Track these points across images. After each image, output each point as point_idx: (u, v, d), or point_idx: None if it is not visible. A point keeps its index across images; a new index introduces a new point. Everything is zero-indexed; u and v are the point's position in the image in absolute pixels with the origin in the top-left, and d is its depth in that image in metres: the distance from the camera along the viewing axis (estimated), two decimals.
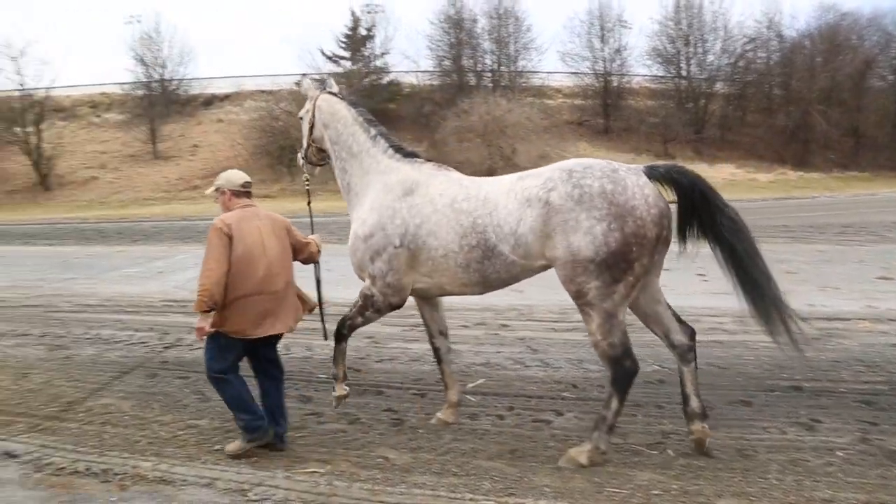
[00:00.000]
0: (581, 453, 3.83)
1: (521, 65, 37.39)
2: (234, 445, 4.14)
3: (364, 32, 38.33)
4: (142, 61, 41.46)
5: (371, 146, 4.63)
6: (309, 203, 5.08)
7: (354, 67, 37.17)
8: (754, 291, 3.79)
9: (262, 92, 43.49)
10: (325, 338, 4.73)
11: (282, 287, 4.19)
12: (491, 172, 29.03)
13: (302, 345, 6.81)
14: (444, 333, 4.77)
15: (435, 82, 37.67)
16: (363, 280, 4.49)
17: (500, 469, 3.83)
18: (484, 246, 3.96)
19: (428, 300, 4.67)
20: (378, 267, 4.30)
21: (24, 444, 4.37)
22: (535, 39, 37.76)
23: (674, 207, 3.88)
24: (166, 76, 41.98)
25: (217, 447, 4.25)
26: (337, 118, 4.76)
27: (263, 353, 4.30)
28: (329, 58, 37.91)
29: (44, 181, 34.52)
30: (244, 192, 4.35)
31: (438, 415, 4.61)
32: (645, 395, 5.03)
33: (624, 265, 3.64)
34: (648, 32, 37.96)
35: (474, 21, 37.21)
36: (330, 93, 4.93)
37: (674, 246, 3.93)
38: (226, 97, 44.83)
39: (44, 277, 12.34)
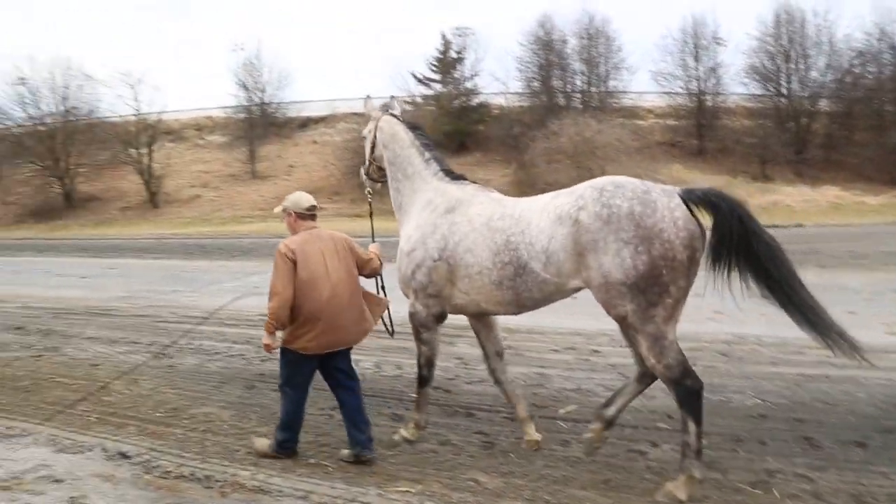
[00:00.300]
0: (678, 487, 3.69)
1: (611, 85, 36.85)
2: (262, 444, 4.48)
3: (454, 55, 38.90)
4: (244, 86, 43.63)
5: (423, 169, 4.81)
6: (371, 214, 5.42)
7: (444, 90, 37.71)
8: (801, 316, 3.68)
9: (355, 114, 44.77)
10: (391, 335, 5.05)
11: (346, 305, 4.35)
12: None
13: (392, 363, 6.91)
14: (500, 355, 4.80)
15: (524, 103, 37.66)
16: (408, 297, 4.66)
17: (593, 499, 3.75)
18: (516, 263, 4.01)
19: (483, 321, 4.76)
20: (419, 280, 4.48)
21: (134, 446, 4.63)
22: (627, 59, 37.21)
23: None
24: (265, 100, 43.93)
25: (312, 460, 4.36)
26: (395, 140, 4.94)
27: (334, 364, 4.45)
28: (420, 80, 38.63)
29: (153, 199, 36.65)
30: (309, 215, 4.52)
31: (525, 437, 4.61)
32: (746, 429, 4.81)
33: (657, 288, 3.60)
34: (745, 49, 36.46)
35: (564, 42, 37.05)
36: (392, 115, 5.10)
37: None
38: (320, 119, 46.41)
39: (153, 289, 13.07)
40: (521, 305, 4.20)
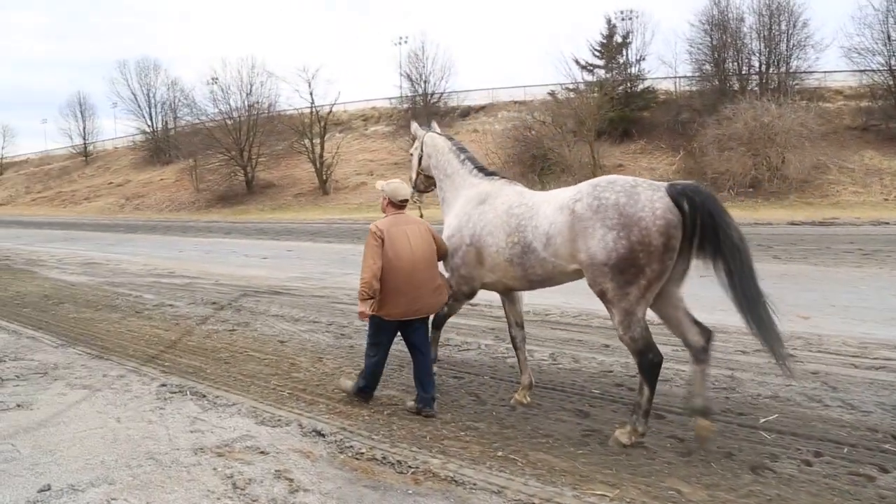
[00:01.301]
0: (623, 434, 4.40)
1: (793, 65, 33.83)
2: (345, 384, 5.46)
3: (619, 39, 37.52)
4: (408, 78, 44.99)
5: (460, 168, 5.70)
6: (421, 216, 5.88)
7: (609, 76, 36.52)
8: (747, 308, 4.15)
9: (515, 103, 44.69)
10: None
11: (424, 280, 5.03)
12: (755, 184, 26.81)
13: (569, 355, 6.68)
14: (520, 325, 5.49)
15: (693, 88, 35.60)
16: (446, 272, 5.44)
17: None
18: (523, 243, 4.71)
19: (509, 296, 5.44)
20: (455, 262, 5.28)
21: (327, 425, 4.78)
22: (813, 35, 33.95)
23: None
24: (428, 91, 45.01)
25: (500, 453, 4.26)
26: (437, 149, 5.94)
27: (412, 331, 5.19)
28: (583, 67, 37.65)
29: (323, 186, 38.83)
30: (400, 205, 5.32)
31: (516, 395, 5.19)
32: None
33: (634, 269, 4.14)
34: None
35: (741, 20, 34.47)
36: (433, 132, 6.15)
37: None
38: (481, 108, 46.79)
39: (327, 271, 13.74)
40: (530, 281, 4.86)
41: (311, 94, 41.40)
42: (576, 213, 4.35)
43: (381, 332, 5.14)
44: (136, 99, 62.86)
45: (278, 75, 44.02)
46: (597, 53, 37.55)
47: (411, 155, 6.37)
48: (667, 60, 37.94)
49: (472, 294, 5.41)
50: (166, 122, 61.57)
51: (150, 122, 62.66)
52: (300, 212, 35.63)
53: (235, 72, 44.00)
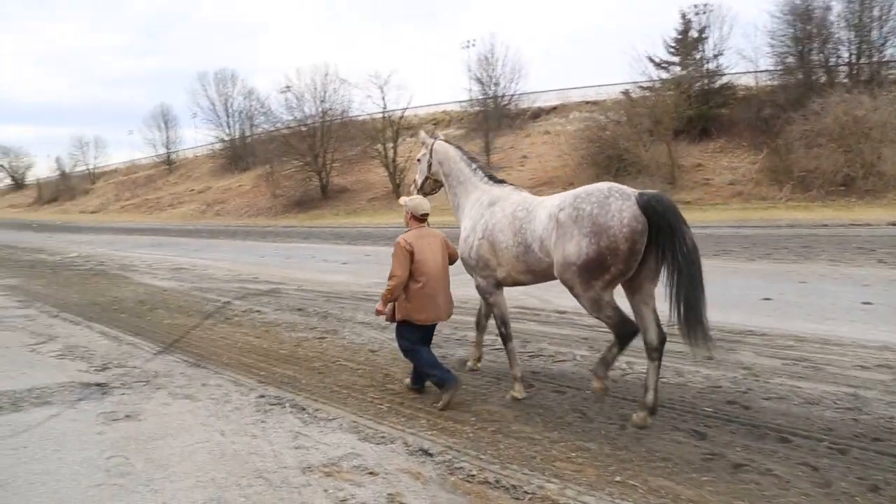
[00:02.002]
0: (599, 380, 5.06)
1: (887, 54, 31.87)
2: (443, 400, 5.42)
3: (695, 35, 36.25)
4: (478, 81, 44.83)
5: (472, 176, 6.23)
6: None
7: (685, 72, 35.33)
8: (687, 309, 4.60)
9: (587, 103, 43.89)
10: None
11: (444, 288, 5.69)
12: (847, 182, 25.29)
13: (671, 369, 6.31)
14: (488, 316, 6.53)
15: (776, 82, 34.02)
16: (471, 276, 5.97)
17: None
18: (524, 243, 5.31)
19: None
20: (473, 258, 5.77)
21: (432, 442, 4.60)
22: None
23: None
24: (499, 93, 44.73)
25: (617, 478, 3.99)
26: (448, 157, 6.42)
27: (429, 332, 5.84)
28: (658, 64, 36.58)
29: (396, 190, 39.07)
30: (422, 218, 5.88)
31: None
32: None
33: (599, 269, 4.72)
34: None
35: (827, 8, 32.69)
36: (441, 140, 6.62)
37: None
38: (552, 109, 46.20)
39: None
40: (532, 273, 5.42)
41: (383, 99, 41.86)
42: (559, 220, 4.96)
43: (412, 335, 5.69)
44: (214, 109, 65.19)
45: (351, 82, 44.61)
46: (672, 50, 36.37)
47: (418, 161, 6.82)
48: (746, 55, 36.41)
49: (499, 282, 5.79)
50: (243, 131, 63.48)
51: (227, 131, 64.86)
52: (374, 216, 35.97)
53: (309, 79, 44.83)
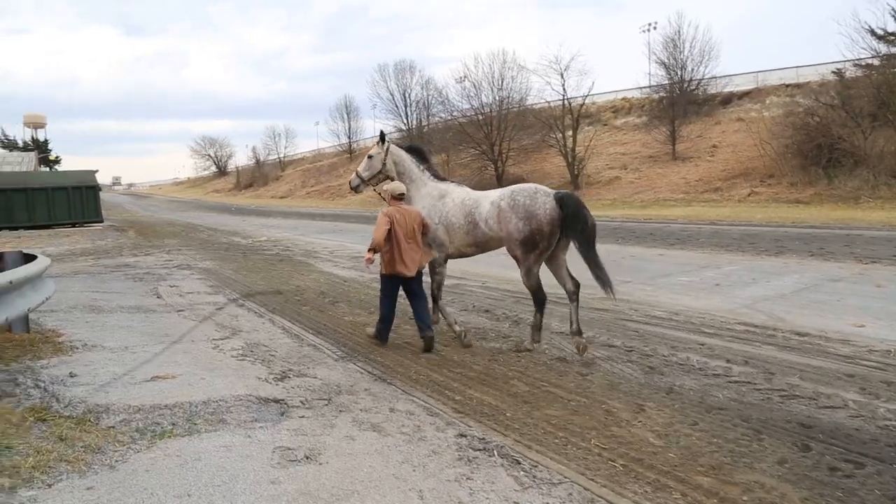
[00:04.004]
0: (529, 342, 7.25)
1: None
2: (369, 330, 7.67)
3: None
4: (662, 64, 41.62)
5: (420, 175, 7.91)
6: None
7: None
8: (596, 268, 6.75)
9: (787, 86, 39.28)
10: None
11: (411, 251, 7.12)
12: None
13: (808, 390, 4.40)
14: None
15: None
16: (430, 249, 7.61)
17: None
18: (473, 222, 7.30)
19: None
20: (432, 237, 7.53)
21: None
22: None
23: None
24: (685, 77, 41.19)
25: None
26: (402, 159, 7.95)
27: (409, 285, 7.27)
28: (881, 37, 31.54)
29: (575, 180, 37.31)
30: (399, 197, 7.32)
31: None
32: None
33: (532, 244, 6.79)
34: None
35: None
36: (395, 144, 8.14)
37: None
38: (745, 94, 41.94)
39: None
40: (477, 246, 7.45)
41: (563, 86, 40.04)
42: (501, 208, 6.93)
43: (386, 284, 7.29)
44: (393, 99, 66.71)
45: (529, 68, 43.11)
46: None
47: (369, 157, 8.07)
48: None
49: (447, 259, 7.74)
50: (420, 120, 64.42)
51: (405, 121, 66.13)
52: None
53: (487, 67, 44.17)
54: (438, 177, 7.93)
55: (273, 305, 10.06)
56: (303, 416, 4.89)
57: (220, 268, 15.47)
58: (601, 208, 31.64)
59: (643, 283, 11.43)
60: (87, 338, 7.62)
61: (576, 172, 37.38)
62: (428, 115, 62.45)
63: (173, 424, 4.60)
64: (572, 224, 6.68)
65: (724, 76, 42.13)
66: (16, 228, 30.47)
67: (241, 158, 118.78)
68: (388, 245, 6.99)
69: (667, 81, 41.50)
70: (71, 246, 23.57)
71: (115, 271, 15.27)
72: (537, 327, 7.19)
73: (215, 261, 17.00)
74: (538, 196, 6.80)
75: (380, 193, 7.96)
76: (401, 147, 8.12)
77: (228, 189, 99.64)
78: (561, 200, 6.76)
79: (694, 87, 41.38)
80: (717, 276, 12.00)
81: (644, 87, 46.09)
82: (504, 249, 7.27)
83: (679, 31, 40.92)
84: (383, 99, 67.96)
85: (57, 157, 69.49)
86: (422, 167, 7.94)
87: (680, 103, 39.88)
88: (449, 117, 47.99)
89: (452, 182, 7.85)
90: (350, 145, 78.61)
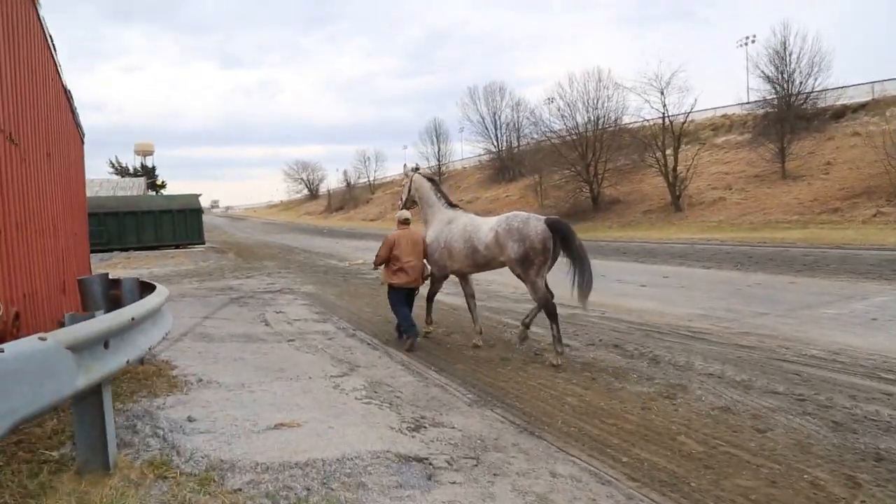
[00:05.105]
0: (553, 357, 7.66)
1: None
2: (407, 344, 8.65)
3: None
4: (766, 79, 39.25)
5: (436, 201, 9.24)
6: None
7: None
8: (582, 283, 7.57)
9: None
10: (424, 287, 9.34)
11: (415, 266, 8.75)
12: None
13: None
14: (472, 296, 9.14)
15: None
16: (430, 266, 9.08)
17: None
18: (472, 247, 8.31)
19: (464, 278, 9.08)
20: (434, 258, 8.89)
21: None
22: None
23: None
24: (793, 91, 38.65)
25: None
26: (422, 187, 9.46)
27: (409, 295, 8.94)
28: None
29: (676, 202, 35.55)
30: (404, 222, 9.01)
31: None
32: None
33: (528, 263, 7.68)
34: None
35: None
36: (419, 173, 9.77)
37: None
38: (860, 107, 38.96)
39: (731, 308, 11.03)
40: (476, 266, 8.48)
41: (663, 103, 38.36)
42: (498, 232, 7.96)
43: (396, 296, 8.81)
44: (483, 121, 66.56)
45: (627, 86, 41.36)
46: None
47: (402, 186, 10.19)
48: None
49: (445, 277, 9.08)
50: (510, 141, 63.93)
51: (495, 143, 65.81)
52: (651, 230, 32.82)
53: (581, 86, 42.81)
54: (450, 204, 9.19)
55: (385, 336, 9.52)
56: (454, 482, 4.15)
57: (323, 292, 15.18)
58: (707, 231, 29.84)
59: (783, 316, 10.19)
60: (201, 371, 7.23)
61: (677, 193, 35.58)
62: (518, 137, 61.89)
63: (307, 490, 3.96)
64: (562, 243, 7.72)
65: (837, 88, 39.20)
66: (126, 249, 31.77)
67: (332, 182, 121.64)
68: (393, 262, 8.66)
69: (773, 96, 39.08)
70: (176, 267, 24.20)
71: (220, 294, 15.25)
72: (558, 339, 7.75)
73: (316, 285, 16.78)
74: (530, 221, 7.81)
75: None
76: (423, 177, 9.61)
77: (320, 212, 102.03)
78: (551, 224, 7.76)
79: (803, 102, 38.73)
80: (869, 308, 10.58)
81: (746, 103, 43.72)
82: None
83: (785, 43, 38.56)
84: (473, 122, 68.10)
85: (163, 182, 72.97)
86: (438, 195, 9.24)
87: (788, 119, 37.41)
88: (541, 138, 46.99)
89: (460, 210, 9.09)
90: (439, 168, 78.86)
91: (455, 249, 8.49)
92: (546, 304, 7.73)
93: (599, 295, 13.02)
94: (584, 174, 40.22)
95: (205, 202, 60.38)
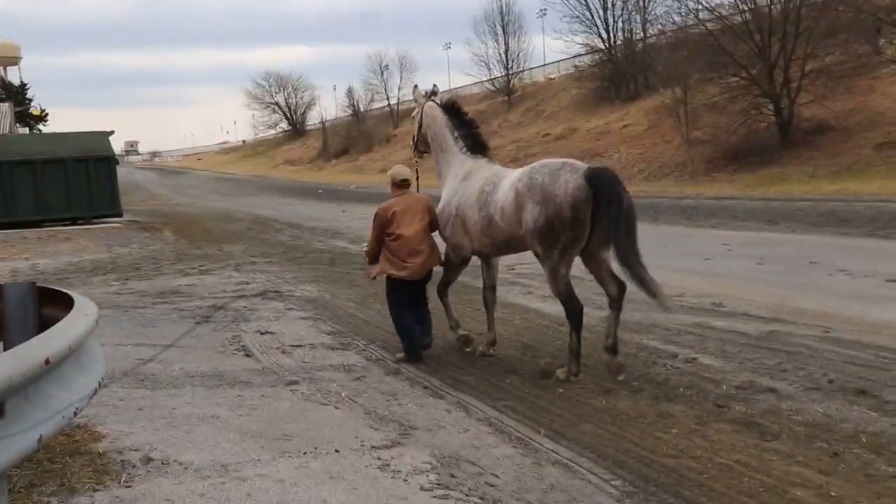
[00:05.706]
0: (561, 372, 8.84)
1: None
2: (399, 357, 10.25)
3: None
4: None
5: (453, 145, 10.22)
6: (417, 178, 10.73)
7: None
8: (630, 260, 8.39)
9: None
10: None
11: (424, 248, 9.88)
12: None
13: None
14: (493, 287, 10.41)
15: None
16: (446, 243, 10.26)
17: None
18: (488, 217, 9.22)
19: (487, 262, 10.31)
20: (447, 231, 10.01)
21: None
22: None
23: None
24: None
25: None
26: (435, 121, 10.49)
27: (416, 290, 10.16)
28: None
29: None
30: (401, 184, 10.14)
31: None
32: None
33: (550, 238, 8.48)
34: None
35: None
36: (433, 101, 10.77)
37: None
38: None
39: None
40: (497, 247, 9.64)
41: None
42: (518, 190, 8.77)
43: (396, 291, 10.12)
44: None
45: None
46: None
47: (413, 118, 11.34)
48: None
49: (466, 260, 10.30)
50: (631, 33, 63.26)
51: (603, 34, 64.91)
52: (891, 178, 31.71)
53: None
54: (472, 150, 10.14)
55: (453, 372, 9.61)
56: None
57: (332, 297, 15.39)
58: None
59: None
60: (149, 442, 7.06)
61: None
62: (644, 23, 61.35)
63: None
64: (604, 206, 8.30)
65: None
66: (18, 226, 31.37)
67: (327, 108, 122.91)
68: (392, 246, 9.86)
69: None
70: (75, 256, 24.14)
71: (161, 303, 15.41)
72: (575, 353, 8.81)
73: (319, 283, 17.02)
74: (561, 173, 8.56)
75: (415, 162, 11.29)
76: (439, 106, 10.65)
77: (310, 158, 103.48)
78: (593, 175, 8.45)
79: None
80: None
81: None
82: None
83: None
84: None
85: (43, 112, 74.22)
86: (456, 134, 10.25)
87: None
88: (687, 22, 46.41)
89: (483, 158, 10.06)
90: (508, 80, 78.74)
91: (469, 220, 9.55)
92: (568, 302, 8.84)
93: (808, 294, 12.77)
94: (766, 83, 39.42)
95: (116, 146, 60.79)
